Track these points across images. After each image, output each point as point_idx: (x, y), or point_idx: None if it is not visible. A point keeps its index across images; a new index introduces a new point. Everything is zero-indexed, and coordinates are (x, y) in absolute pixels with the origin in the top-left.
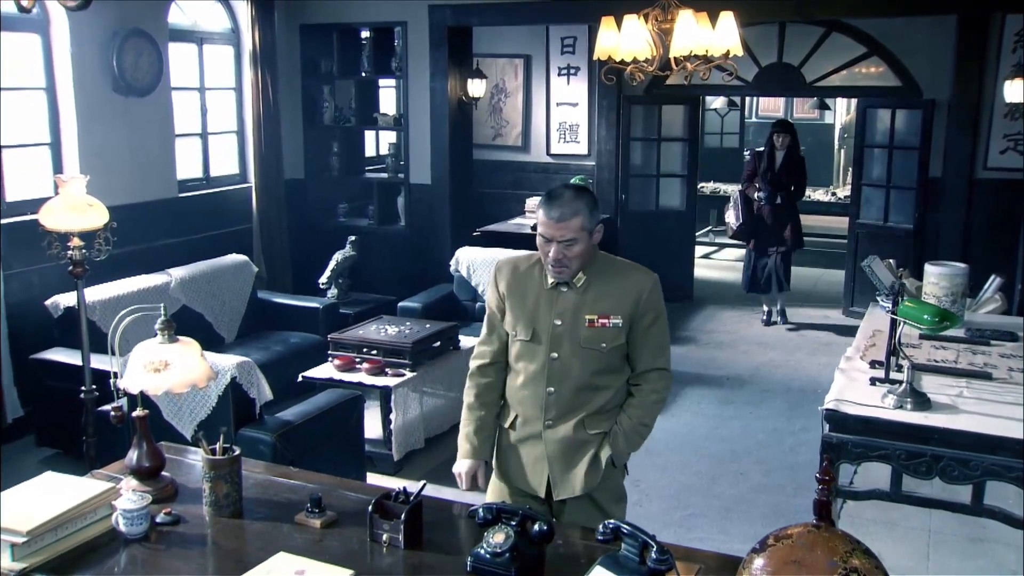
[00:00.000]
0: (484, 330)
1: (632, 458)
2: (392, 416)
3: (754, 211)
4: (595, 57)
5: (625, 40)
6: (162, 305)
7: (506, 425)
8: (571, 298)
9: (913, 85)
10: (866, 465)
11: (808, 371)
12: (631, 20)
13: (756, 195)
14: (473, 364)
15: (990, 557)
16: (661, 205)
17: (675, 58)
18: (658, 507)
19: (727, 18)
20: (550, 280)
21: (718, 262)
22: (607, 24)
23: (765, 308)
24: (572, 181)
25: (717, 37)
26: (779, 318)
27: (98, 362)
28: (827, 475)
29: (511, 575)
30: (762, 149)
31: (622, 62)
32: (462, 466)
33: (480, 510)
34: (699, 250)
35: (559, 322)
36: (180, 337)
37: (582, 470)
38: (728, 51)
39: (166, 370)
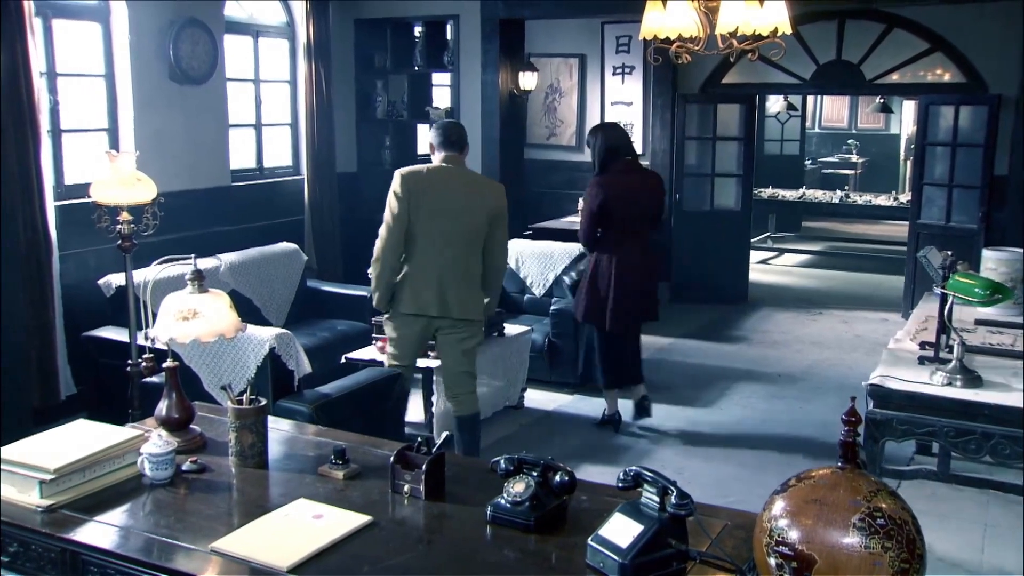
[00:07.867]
0: None
1: (676, 445)
2: (434, 399)
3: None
4: (640, 36)
5: (670, 17)
6: (192, 256)
7: None
8: None
9: (979, 80)
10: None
11: (864, 369)
12: None
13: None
14: None
15: None
16: (716, 205)
17: (721, 35)
18: (699, 494)
19: None
20: None
21: (775, 267)
22: (653, 3)
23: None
24: None
25: (764, 14)
26: (639, 414)
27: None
28: (852, 416)
29: (531, 524)
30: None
31: (667, 40)
32: None
33: (501, 461)
34: (757, 255)
35: None
36: (211, 289)
37: None
38: (776, 28)
39: (195, 319)
